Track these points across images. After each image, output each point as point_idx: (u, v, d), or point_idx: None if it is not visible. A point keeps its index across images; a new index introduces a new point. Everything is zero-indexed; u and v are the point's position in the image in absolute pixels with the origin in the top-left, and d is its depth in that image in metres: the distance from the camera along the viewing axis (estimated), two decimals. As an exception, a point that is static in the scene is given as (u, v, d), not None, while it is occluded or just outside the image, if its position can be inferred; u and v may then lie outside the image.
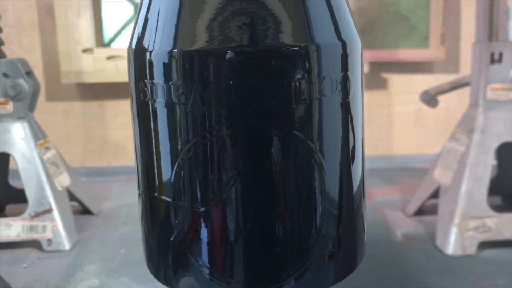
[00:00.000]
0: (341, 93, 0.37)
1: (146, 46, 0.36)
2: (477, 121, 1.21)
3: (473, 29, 1.28)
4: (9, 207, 1.50)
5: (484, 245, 1.16)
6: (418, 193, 1.40)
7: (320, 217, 0.37)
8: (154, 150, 0.38)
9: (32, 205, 1.26)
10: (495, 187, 1.39)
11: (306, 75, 0.36)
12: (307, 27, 0.36)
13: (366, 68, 1.72)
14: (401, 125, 1.86)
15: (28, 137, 1.30)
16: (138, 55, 0.37)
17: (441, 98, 1.79)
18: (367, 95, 1.84)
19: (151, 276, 1.07)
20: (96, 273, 1.11)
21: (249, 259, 0.36)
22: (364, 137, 0.44)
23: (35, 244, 1.26)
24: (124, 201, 1.61)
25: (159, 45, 0.36)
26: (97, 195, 1.63)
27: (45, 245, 1.24)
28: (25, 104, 1.30)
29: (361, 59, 0.42)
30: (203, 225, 0.36)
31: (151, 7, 0.37)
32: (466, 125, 1.25)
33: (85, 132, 1.86)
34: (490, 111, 1.21)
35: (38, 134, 1.34)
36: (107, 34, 1.84)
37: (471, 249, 1.14)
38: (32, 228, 1.25)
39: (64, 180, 1.37)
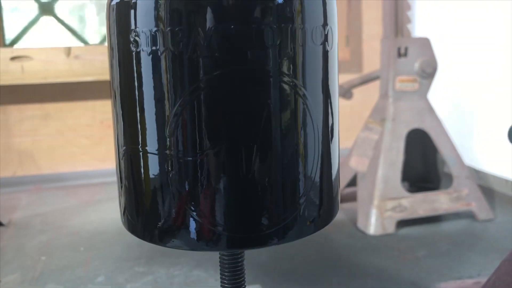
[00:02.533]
0: (321, 38, 0.39)
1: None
2: (388, 111, 1.31)
3: (373, 31, 1.39)
4: None
5: (402, 223, 1.25)
6: (336, 182, 1.47)
7: (313, 159, 0.38)
8: (138, 100, 0.37)
9: None
10: (403, 174, 1.51)
11: (292, 22, 0.37)
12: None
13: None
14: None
15: None
16: (122, 6, 0.36)
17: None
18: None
19: (80, 280, 1.02)
20: (17, 283, 1.02)
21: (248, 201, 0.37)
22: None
23: None
24: (37, 211, 1.50)
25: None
26: (4, 205, 1.51)
27: (-49, 260, 1.12)
28: None
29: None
30: (204, 173, 0.35)
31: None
32: (378, 115, 1.35)
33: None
34: (399, 101, 1.31)
35: None
36: (9, 35, 1.71)
37: (391, 228, 1.23)
38: None
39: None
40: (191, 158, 0.36)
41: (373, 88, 1.48)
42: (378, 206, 1.23)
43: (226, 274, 0.47)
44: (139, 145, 0.38)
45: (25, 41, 1.72)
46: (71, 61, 1.64)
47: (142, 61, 0.36)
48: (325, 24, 0.40)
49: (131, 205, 0.41)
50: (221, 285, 0.48)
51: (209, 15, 0.35)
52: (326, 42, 0.40)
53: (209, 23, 0.35)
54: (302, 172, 0.41)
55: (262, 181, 0.39)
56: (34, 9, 1.73)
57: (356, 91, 1.53)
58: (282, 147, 0.39)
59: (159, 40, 0.35)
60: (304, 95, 0.38)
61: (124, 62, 0.38)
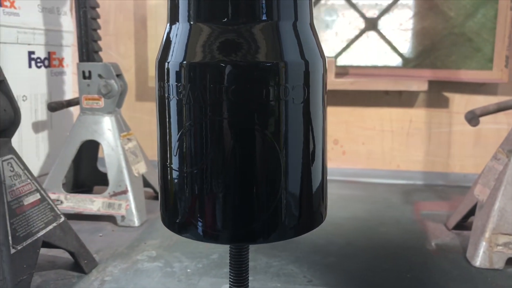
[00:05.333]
0: (302, 97, 0.51)
1: (165, 58, 0.53)
2: (517, 142, 1.25)
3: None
4: (96, 188, 1.76)
5: (513, 261, 1.20)
6: (459, 208, 1.45)
7: (280, 174, 0.50)
8: (168, 132, 0.54)
9: (111, 186, 1.49)
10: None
11: (278, 83, 0.50)
12: (279, 49, 0.51)
13: (425, 86, 1.78)
14: (460, 143, 1.89)
15: (114, 128, 1.54)
16: (160, 64, 0.54)
17: (504, 119, 1.81)
18: (428, 113, 1.90)
19: (199, 254, 1.25)
20: (156, 247, 1.31)
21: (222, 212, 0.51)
22: (326, 133, 0.57)
23: (111, 219, 1.49)
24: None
25: (174, 58, 0.52)
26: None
27: (119, 220, 1.47)
28: (114, 101, 1.55)
29: (322, 73, 0.55)
30: (192, 184, 0.51)
31: (170, 32, 0.53)
32: (507, 145, 1.29)
33: (165, 130, 2.10)
34: (532, 133, 1.24)
35: (122, 127, 1.58)
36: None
37: (499, 264, 1.19)
38: (110, 205, 1.48)
39: (140, 168, 1.59)
40: (187, 172, 0.53)
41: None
42: (489, 239, 1.20)
43: (232, 263, 0.61)
44: (167, 161, 0.56)
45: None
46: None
47: (167, 104, 0.54)
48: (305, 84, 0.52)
49: (163, 204, 0.59)
50: (229, 272, 0.62)
51: (210, 76, 0.50)
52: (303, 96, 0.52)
53: (209, 82, 0.50)
54: (283, 187, 0.53)
55: (246, 193, 0.52)
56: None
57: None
58: (259, 171, 0.52)
59: (172, 90, 0.52)
60: (280, 147, 0.51)
61: (160, 104, 0.55)
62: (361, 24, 1.98)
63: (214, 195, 0.53)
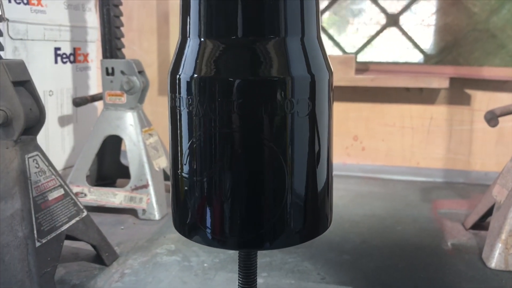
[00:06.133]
0: (306, 111, 0.53)
1: (177, 71, 0.55)
2: (537, 143, 1.24)
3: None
4: (119, 181, 1.81)
5: (530, 263, 1.19)
6: (477, 208, 1.44)
7: (285, 184, 0.52)
8: (179, 141, 0.56)
9: (133, 180, 1.54)
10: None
11: (283, 97, 0.52)
12: (285, 64, 0.52)
13: (447, 83, 1.77)
14: (482, 141, 1.87)
15: (136, 124, 1.58)
16: (172, 77, 0.56)
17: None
18: (449, 110, 1.88)
19: (216, 249, 1.27)
20: (175, 241, 1.34)
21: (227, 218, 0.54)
22: (331, 143, 0.58)
23: (132, 212, 1.54)
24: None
25: (185, 71, 0.54)
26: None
27: (140, 214, 1.52)
28: (136, 97, 1.58)
29: (328, 86, 0.56)
30: (205, 196, 0.54)
31: (182, 46, 0.55)
32: (527, 146, 1.28)
33: (187, 124, 2.14)
34: (552, 135, 1.23)
35: (144, 122, 1.61)
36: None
37: (514, 266, 1.18)
38: (131, 199, 1.53)
39: (161, 162, 1.63)
40: (197, 180, 0.55)
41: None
42: (505, 241, 1.20)
43: (241, 266, 0.63)
44: (178, 169, 0.58)
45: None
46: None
47: (178, 115, 0.56)
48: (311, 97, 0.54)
49: (174, 209, 0.61)
50: (238, 274, 0.65)
51: (219, 90, 0.52)
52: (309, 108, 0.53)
53: (218, 95, 0.52)
54: (288, 196, 0.55)
55: (252, 201, 0.54)
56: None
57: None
58: (265, 181, 0.54)
59: (183, 102, 0.54)
60: (286, 158, 0.53)
61: (172, 114, 0.58)
62: (382, 20, 1.96)
63: (222, 203, 0.55)
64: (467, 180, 1.91)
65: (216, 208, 0.56)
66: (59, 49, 1.75)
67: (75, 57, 1.82)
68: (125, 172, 1.76)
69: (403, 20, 1.94)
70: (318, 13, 0.57)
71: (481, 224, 1.44)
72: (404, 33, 1.94)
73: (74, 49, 1.82)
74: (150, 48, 2.08)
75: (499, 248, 1.20)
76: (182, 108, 0.56)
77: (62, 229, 1.08)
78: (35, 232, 1.00)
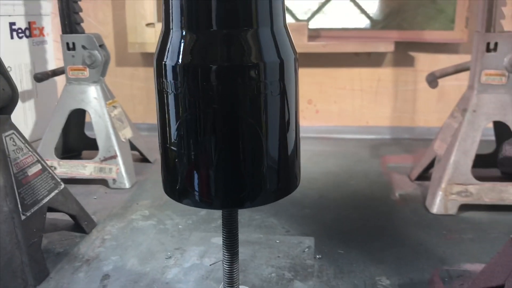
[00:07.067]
0: (278, 90, 0.62)
1: (162, 58, 0.63)
2: (471, 102, 1.40)
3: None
4: (84, 153, 1.86)
5: (465, 207, 1.36)
6: (421, 161, 1.61)
7: (262, 151, 0.62)
8: (167, 119, 0.65)
9: (101, 152, 1.60)
10: (493, 161, 1.58)
11: (258, 79, 0.61)
12: (259, 51, 0.61)
13: (392, 47, 1.90)
14: (425, 100, 2.03)
15: (100, 97, 1.63)
16: (158, 63, 0.64)
17: (465, 76, 1.95)
18: (395, 71, 2.02)
19: (188, 211, 1.37)
20: (148, 207, 1.43)
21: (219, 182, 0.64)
22: (298, 114, 0.68)
23: (103, 182, 1.61)
24: (175, 154, 1.93)
25: (170, 58, 0.62)
26: (155, 147, 1.96)
27: (110, 183, 1.59)
28: (98, 71, 1.62)
29: (295, 67, 0.66)
30: (191, 164, 0.63)
31: (166, 36, 0.63)
32: (462, 105, 1.43)
33: (147, 94, 2.19)
34: (483, 93, 1.38)
35: (107, 95, 1.66)
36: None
37: (453, 210, 1.35)
38: (101, 170, 1.59)
39: (127, 133, 1.69)
40: (185, 153, 0.64)
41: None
42: (445, 189, 1.36)
43: (224, 223, 0.74)
44: (167, 143, 0.67)
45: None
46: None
47: (163, 96, 0.64)
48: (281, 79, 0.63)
49: (165, 177, 0.70)
50: (222, 231, 0.75)
51: (201, 75, 0.61)
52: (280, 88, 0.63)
53: (200, 80, 0.61)
54: (265, 162, 0.65)
55: (234, 165, 0.64)
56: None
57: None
58: (245, 151, 0.64)
59: (170, 86, 0.63)
60: (263, 130, 0.62)
61: (159, 96, 0.66)
62: (332, -13, 2.06)
63: (208, 171, 0.64)
64: (412, 135, 2.08)
65: (204, 175, 0.65)
66: (14, 23, 1.74)
67: (31, 31, 1.82)
68: (90, 144, 1.81)
69: (350, -13, 2.04)
70: (283, 4, 0.66)
71: (425, 175, 1.60)
72: (352, 0, 2.05)
73: (29, 23, 1.81)
74: (106, 19, 2.09)
75: (439, 195, 1.37)
76: (169, 91, 0.64)
77: (44, 202, 1.14)
78: (19, 206, 1.06)
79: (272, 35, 0.63)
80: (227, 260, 0.75)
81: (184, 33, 0.62)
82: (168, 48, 0.63)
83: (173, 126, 0.65)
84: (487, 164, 1.55)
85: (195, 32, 0.61)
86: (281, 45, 0.64)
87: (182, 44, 0.62)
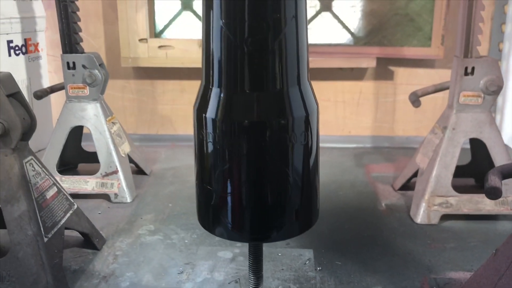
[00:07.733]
0: (304, 139, 0.72)
1: (202, 110, 0.72)
2: (450, 120, 1.53)
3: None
4: (80, 165, 1.91)
5: (446, 217, 1.50)
6: (404, 171, 1.74)
7: (290, 193, 0.72)
8: (205, 163, 0.73)
9: (103, 167, 1.66)
10: (469, 171, 1.72)
11: (288, 132, 0.71)
12: (289, 108, 0.71)
13: (374, 63, 2.02)
14: (403, 111, 2.17)
15: (100, 114, 1.69)
16: (198, 114, 0.72)
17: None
18: (376, 84, 2.15)
19: (192, 225, 1.46)
20: (152, 221, 1.51)
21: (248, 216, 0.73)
22: (318, 156, 0.78)
23: (104, 197, 1.67)
24: (171, 164, 2.01)
25: (210, 112, 0.71)
26: (148, 158, 2.03)
27: (112, 198, 1.65)
28: (98, 89, 1.68)
29: (317, 119, 0.75)
30: (227, 203, 0.72)
31: (206, 91, 0.72)
32: (443, 122, 1.57)
33: (138, 105, 2.25)
34: (462, 113, 1.52)
35: (107, 112, 1.72)
36: (158, 26, 2.19)
37: (435, 220, 1.49)
38: (103, 185, 1.66)
39: (125, 148, 1.76)
40: (221, 194, 0.73)
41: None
42: (428, 200, 1.49)
43: (250, 252, 0.83)
44: (205, 183, 0.76)
45: (169, 32, 2.17)
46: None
47: (203, 145, 0.73)
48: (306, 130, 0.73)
49: (201, 210, 0.79)
50: (248, 262, 0.84)
51: (237, 129, 0.70)
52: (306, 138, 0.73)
53: (235, 132, 0.70)
54: (290, 201, 0.75)
55: (264, 208, 0.74)
56: (178, 5, 2.16)
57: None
58: (274, 192, 0.73)
59: (209, 136, 0.72)
60: (292, 172, 0.72)
61: (199, 142, 0.75)
62: (317, 6, 2.16)
63: (242, 209, 0.74)
64: (392, 144, 2.21)
65: (237, 212, 0.75)
66: (11, 41, 1.78)
67: (27, 48, 1.86)
68: (85, 157, 1.87)
69: (335, 6, 2.15)
70: (308, 60, 0.75)
71: (407, 185, 1.73)
72: (336, 17, 2.16)
73: (25, 40, 1.85)
74: (97, 33, 2.14)
75: (423, 206, 1.49)
76: (208, 140, 0.73)
77: (62, 223, 1.21)
78: (42, 229, 1.13)
79: (299, 92, 0.73)
80: (253, 283, 0.85)
81: (222, 91, 0.71)
82: (210, 102, 0.72)
83: (211, 169, 0.74)
84: (463, 174, 1.69)
85: (232, 92, 0.70)
86: (307, 99, 0.74)
87: (220, 101, 0.71)
